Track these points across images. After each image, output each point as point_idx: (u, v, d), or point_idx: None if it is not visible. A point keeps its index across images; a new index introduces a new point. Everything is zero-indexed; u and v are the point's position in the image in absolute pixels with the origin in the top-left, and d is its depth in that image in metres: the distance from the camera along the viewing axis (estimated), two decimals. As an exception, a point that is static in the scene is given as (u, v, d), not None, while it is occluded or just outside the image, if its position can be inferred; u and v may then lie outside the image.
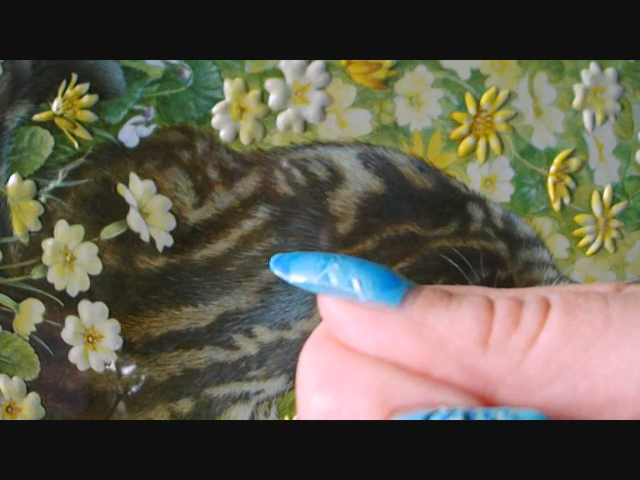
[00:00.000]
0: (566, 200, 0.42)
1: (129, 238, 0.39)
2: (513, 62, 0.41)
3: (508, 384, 0.16)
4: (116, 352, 0.39)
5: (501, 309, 0.16)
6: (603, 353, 0.15)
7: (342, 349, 0.17)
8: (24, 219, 0.38)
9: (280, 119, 0.39)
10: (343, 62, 0.39)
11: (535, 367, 0.16)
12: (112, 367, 0.39)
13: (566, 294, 0.16)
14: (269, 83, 0.39)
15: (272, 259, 0.18)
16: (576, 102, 0.42)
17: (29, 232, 0.38)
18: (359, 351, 0.17)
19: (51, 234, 0.38)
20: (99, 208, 0.38)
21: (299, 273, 0.17)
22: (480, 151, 0.41)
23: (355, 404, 0.16)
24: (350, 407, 0.16)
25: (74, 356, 0.39)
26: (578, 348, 0.15)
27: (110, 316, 0.39)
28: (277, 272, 0.17)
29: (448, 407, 0.15)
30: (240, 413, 0.39)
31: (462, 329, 0.16)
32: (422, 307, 0.16)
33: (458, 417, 0.14)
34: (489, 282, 0.39)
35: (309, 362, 0.17)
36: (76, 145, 0.38)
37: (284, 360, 0.39)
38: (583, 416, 0.15)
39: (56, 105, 0.38)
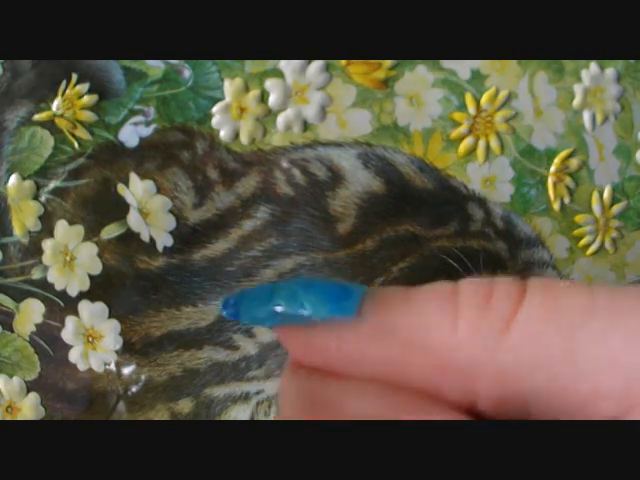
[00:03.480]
0: (566, 200, 0.42)
1: (129, 238, 0.39)
2: (513, 62, 0.41)
3: (487, 375, 0.14)
4: (116, 352, 0.39)
5: (467, 292, 0.15)
6: (588, 342, 0.14)
7: (319, 377, 0.16)
8: (24, 219, 0.38)
9: (280, 119, 0.39)
10: (343, 62, 0.39)
11: (514, 353, 0.14)
12: (112, 367, 0.39)
13: (546, 280, 0.15)
14: (269, 83, 0.39)
15: (221, 304, 0.17)
16: (576, 102, 0.42)
17: (29, 232, 0.38)
18: (333, 374, 0.16)
19: (51, 234, 0.38)
20: (99, 208, 0.38)
21: (249, 312, 0.16)
22: (480, 151, 0.41)
23: None
24: None
25: (74, 356, 0.39)
26: (561, 335, 0.14)
27: (110, 316, 0.39)
28: (228, 316, 0.17)
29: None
30: (240, 413, 0.39)
31: (426, 323, 0.15)
32: (380, 310, 0.15)
33: None
34: (489, 282, 0.39)
35: (293, 394, 0.16)
36: (76, 145, 0.38)
37: (284, 360, 0.39)
38: (566, 409, 0.14)
39: (56, 105, 0.38)
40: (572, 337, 0.14)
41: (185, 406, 0.39)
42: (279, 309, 0.16)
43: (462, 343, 0.14)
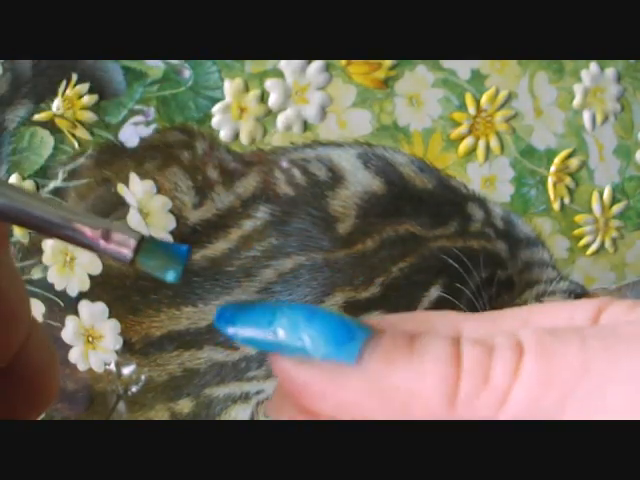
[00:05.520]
0: (566, 200, 0.42)
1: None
2: (513, 62, 0.41)
3: None
4: (116, 352, 0.39)
5: (468, 360, 0.15)
6: (583, 402, 0.14)
7: (304, 416, 0.15)
8: (24, 219, 0.38)
9: (280, 119, 0.39)
10: (343, 62, 0.39)
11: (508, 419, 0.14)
12: (112, 367, 0.39)
13: (540, 334, 0.15)
14: (269, 83, 0.39)
15: (217, 311, 0.16)
16: (576, 102, 0.42)
17: (29, 232, 0.38)
18: (321, 415, 0.15)
19: (51, 234, 0.38)
20: (99, 208, 0.38)
21: (245, 329, 0.15)
22: (480, 151, 0.41)
23: None
24: None
25: (74, 356, 0.39)
26: (554, 399, 0.14)
27: (110, 316, 0.39)
28: (221, 327, 0.16)
29: None
30: (240, 413, 0.39)
31: (426, 388, 0.14)
32: (381, 364, 0.15)
33: None
34: (489, 282, 0.39)
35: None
36: (76, 145, 0.38)
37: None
38: None
39: (56, 105, 0.38)
40: (565, 400, 0.14)
41: (185, 406, 0.39)
42: (277, 335, 0.15)
43: (458, 415, 0.14)
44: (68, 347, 0.39)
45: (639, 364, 0.14)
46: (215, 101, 0.39)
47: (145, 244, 0.15)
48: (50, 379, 0.18)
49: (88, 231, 0.15)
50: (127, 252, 0.15)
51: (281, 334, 0.15)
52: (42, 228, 0.15)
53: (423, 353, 0.15)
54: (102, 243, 0.15)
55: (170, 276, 0.15)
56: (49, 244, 0.38)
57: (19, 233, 0.38)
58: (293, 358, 0.15)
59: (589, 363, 0.14)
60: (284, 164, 0.39)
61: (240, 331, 0.15)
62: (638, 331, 0.14)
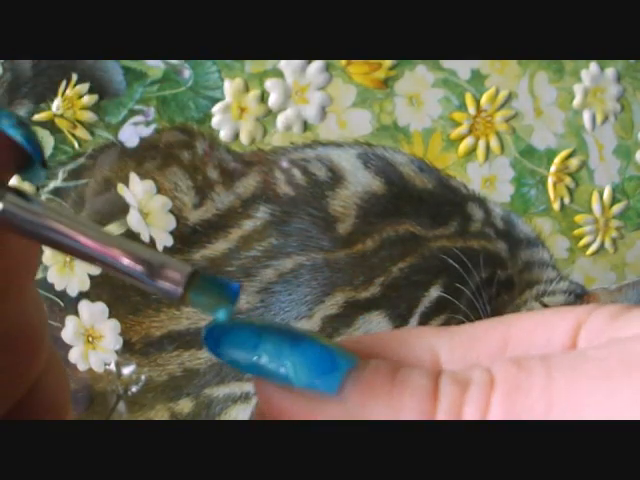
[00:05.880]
0: (566, 200, 0.42)
1: (129, 238, 0.39)
2: (513, 62, 0.41)
3: None
4: (116, 352, 0.39)
5: (445, 398, 0.15)
6: None
7: None
8: (24, 219, 0.38)
9: (280, 119, 0.39)
10: (343, 62, 0.39)
11: None
12: (112, 367, 0.39)
13: (510, 369, 0.15)
14: (269, 83, 0.39)
15: (205, 328, 0.16)
16: (576, 102, 0.42)
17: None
18: None
19: (51, 234, 0.38)
20: (99, 208, 0.38)
21: (231, 350, 0.16)
22: (480, 151, 0.41)
23: None
24: None
25: (74, 356, 0.39)
26: None
27: (110, 316, 0.39)
28: (208, 345, 0.16)
29: None
30: (240, 413, 0.39)
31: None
32: (362, 397, 0.15)
33: None
34: (489, 282, 0.39)
35: None
36: (76, 145, 0.38)
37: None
38: None
39: (56, 105, 0.38)
40: None
41: (185, 406, 0.39)
42: (261, 360, 0.15)
43: None
44: (68, 347, 0.39)
45: (601, 398, 0.14)
46: (215, 101, 0.39)
47: (196, 280, 0.14)
48: (65, 408, 0.18)
49: (136, 265, 0.14)
50: (177, 289, 0.14)
51: (264, 360, 0.15)
52: (86, 256, 0.14)
53: (403, 388, 0.15)
54: (151, 279, 0.14)
55: (221, 315, 0.15)
56: (49, 244, 0.38)
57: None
58: (275, 384, 0.15)
59: (552, 401, 0.14)
60: (284, 164, 0.39)
61: (226, 352, 0.16)
62: (603, 357, 0.14)
